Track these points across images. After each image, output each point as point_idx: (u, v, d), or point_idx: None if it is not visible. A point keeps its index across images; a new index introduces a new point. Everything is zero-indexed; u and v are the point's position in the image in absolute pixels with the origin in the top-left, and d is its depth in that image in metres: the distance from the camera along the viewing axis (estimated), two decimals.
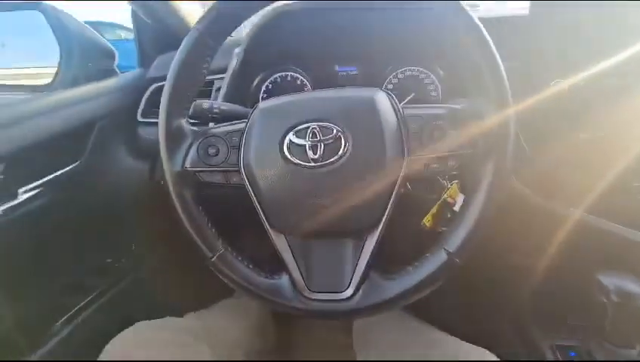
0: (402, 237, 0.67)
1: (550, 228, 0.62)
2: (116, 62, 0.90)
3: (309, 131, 0.44)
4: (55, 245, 0.67)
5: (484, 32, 0.42)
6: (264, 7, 0.54)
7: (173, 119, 0.49)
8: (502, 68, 0.42)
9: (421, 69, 0.77)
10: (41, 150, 0.58)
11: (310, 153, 0.44)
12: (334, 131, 0.44)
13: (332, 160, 0.44)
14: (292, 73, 0.83)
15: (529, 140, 0.62)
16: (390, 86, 0.79)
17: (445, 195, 0.61)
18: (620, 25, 0.57)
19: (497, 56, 0.42)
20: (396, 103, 0.47)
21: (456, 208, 0.61)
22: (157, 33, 0.85)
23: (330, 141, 0.44)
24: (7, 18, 0.82)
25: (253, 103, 0.83)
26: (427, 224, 0.64)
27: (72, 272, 0.73)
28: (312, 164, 0.44)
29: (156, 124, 0.55)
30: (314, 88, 0.82)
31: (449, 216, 0.62)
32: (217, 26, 0.47)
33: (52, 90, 0.80)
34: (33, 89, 0.82)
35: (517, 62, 0.63)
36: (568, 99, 0.57)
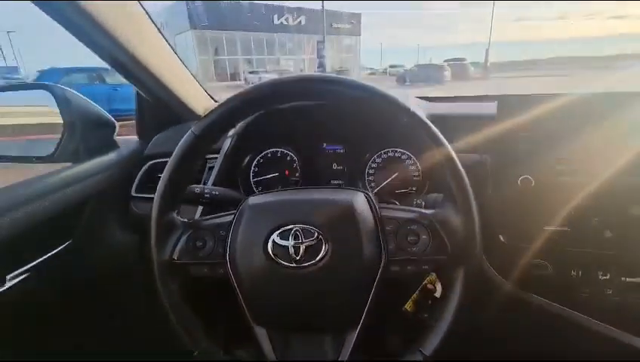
0: (385, 322, 0.67)
1: (525, 315, 0.64)
2: (116, 133, 0.95)
3: (292, 233, 0.47)
4: (42, 327, 0.66)
5: (451, 152, 0.46)
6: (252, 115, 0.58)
7: (165, 213, 0.51)
8: (468, 185, 0.46)
9: (403, 151, 0.83)
10: (32, 233, 0.59)
11: (292, 254, 0.46)
12: (315, 234, 0.47)
13: (313, 261, 0.46)
14: (282, 150, 0.88)
15: (505, 232, 0.66)
16: (374, 165, 0.84)
17: (425, 281, 0.63)
18: (579, 125, 0.64)
19: (464, 175, 0.46)
20: (374, 205, 0.51)
21: (437, 294, 0.63)
22: (155, 110, 0.90)
23: (312, 243, 0.47)
24: (19, 95, 0.88)
25: (245, 178, 0.87)
26: (409, 309, 0.65)
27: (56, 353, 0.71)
28: (294, 264, 0.46)
29: (148, 199, 0.57)
30: (303, 164, 0.87)
31: (430, 302, 0.64)
32: (210, 131, 0.52)
33: (54, 160, 0.84)
34: (37, 159, 0.85)
35: (488, 156, 0.69)
36: (533, 195, 0.62)
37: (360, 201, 0.50)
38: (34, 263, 0.61)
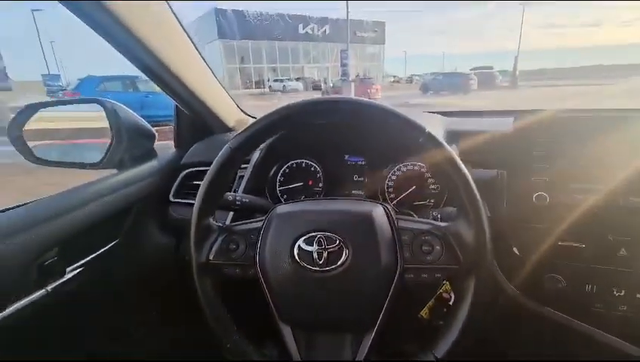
0: (401, 327, 0.71)
1: (536, 326, 0.66)
2: (155, 142, 1.04)
3: (316, 240, 0.52)
4: (93, 314, 0.75)
5: (464, 170, 0.50)
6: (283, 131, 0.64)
7: (203, 218, 0.57)
8: (480, 201, 0.49)
9: (421, 164, 0.86)
10: (88, 232, 0.67)
11: (316, 258, 0.51)
12: (337, 241, 0.52)
13: (334, 266, 0.51)
14: (306, 161, 0.93)
15: (520, 245, 0.68)
16: (394, 177, 0.88)
17: (441, 290, 0.66)
18: (595, 143, 0.66)
19: (476, 192, 0.49)
20: (392, 216, 0.55)
21: (452, 303, 0.66)
22: (192, 123, 0.99)
23: (334, 249, 0.51)
24: (74, 107, 0.99)
25: (271, 187, 0.93)
26: (424, 316, 0.69)
27: (100, 341, 0.80)
28: (318, 268, 0.51)
29: (185, 204, 0.64)
30: (325, 175, 0.92)
31: (445, 310, 0.67)
32: (246, 145, 0.58)
33: (102, 167, 0.93)
34: (85, 166, 0.95)
35: (504, 171, 0.71)
36: (548, 211, 0.64)
37: (379, 212, 0.54)
38: (88, 259, 0.69)
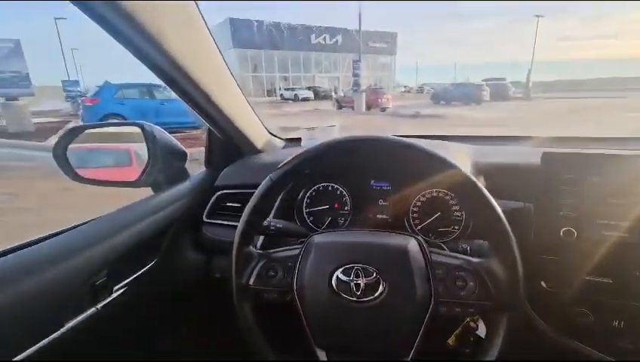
0: (428, 353, 0.73)
1: (562, 359, 0.67)
2: (187, 162, 1.09)
3: (353, 271, 0.55)
4: (135, 330, 0.79)
5: (498, 210, 0.52)
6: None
7: (244, 246, 0.61)
8: (514, 242, 0.52)
9: (447, 191, 0.88)
10: (131, 253, 0.71)
11: (354, 289, 0.54)
12: (374, 274, 0.54)
13: (371, 297, 0.54)
14: (333, 184, 0.96)
15: (547, 279, 0.69)
16: (419, 203, 0.90)
17: (468, 319, 0.68)
18: (624, 182, 0.67)
19: (510, 234, 0.52)
20: (425, 249, 0.57)
21: (479, 332, 0.68)
22: (223, 143, 1.03)
23: (370, 281, 0.54)
24: (118, 129, 1.05)
25: (299, 210, 0.96)
26: (451, 343, 0.70)
27: (139, 355, 0.84)
28: (355, 299, 0.54)
29: (217, 225, 0.67)
30: (352, 198, 0.95)
31: (472, 339, 0.68)
32: (285, 178, 0.61)
33: (137, 185, 0.98)
34: (123, 184, 1.00)
35: (531, 205, 0.73)
36: (575, 246, 0.66)
37: (413, 246, 0.57)
38: (131, 278, 0.74)
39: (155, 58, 0.67)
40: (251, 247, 0.62)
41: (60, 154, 0.95)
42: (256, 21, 26.43)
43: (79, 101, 13.15)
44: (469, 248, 0.66)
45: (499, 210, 0.53)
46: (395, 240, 0.59)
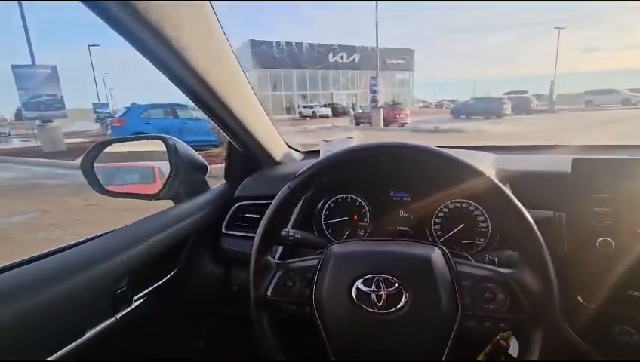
0: None
1: None
2: (207, 174, 1.10)
3: (374, 281, 0.53)
4: (155, 340, 0.79)
5: (529, 218, 0.49)
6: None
7: (262, 256, 0.60)
8: (545, 249, 0.48)
9: (470, 202, 0.85)
10: (152, 263, 0.72)
11: (375, 300, 0.52)
12: (396, 284, 0.52)
13: (393, 309, 0.51)
14: (352, 195, 0.95)
15: (584, 293, 0.64)
16: (441, 214, 0.87)
17: (499, 337, 0.64)
18: None
19: (541, 240, 0.49)
20: (450, 260, 0.55)
21: (510, 351, 0.63)
22: (243, 156, 1.04)
23: (392, 292, 0.52)
24: (140, 143, 1.09)
25: (318, 221, 0.95)
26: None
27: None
28: (376, 310, 0.52)
29: (236, 236, 0.66)
30: (371, 209, 0.93)
31: (503, 359, 0.64)
32: (304, 186, 0.61)
33: (159, 198, 1.00)
34: (144, 197, 1.03)
35: (562, 214, 0.69)
36: (614, 258, 0.61)
37: (437, 256, 0.54)
38: (151, 288, 0.74)
39: (180, 73, 0.69)
40: (269, 257, 0.62)
41: (87, 168, 0.98)
42: (276, 42, 27.30)
43: (108, 122, 13.86)
44: (496, 259, 0.63)
45: (529, 218, 0.50)
46: (417, 249, 0.56)
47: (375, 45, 16.40)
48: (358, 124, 17.04)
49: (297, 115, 25.31)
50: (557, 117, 16.81)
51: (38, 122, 10.92)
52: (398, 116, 15.74)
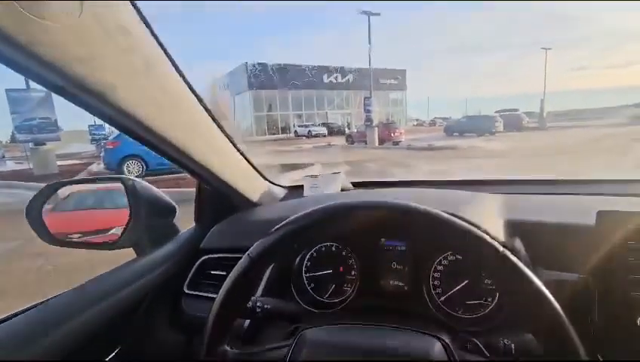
0: None
1: None
2: (176, 217, 0.98)
3: None
4: None
5: (556, 306, 0.38)
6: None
7: (216, 345, 0.47)
8: (577, 342, 0.37)
9: None
10: (94, 339, 0.58)
11: None
12: None
13: None
14: (337, 244, 0.82)
15: None
16: (440, 267, 0.75)
17: None
18: None
19: (571, 330, 0.37)
20: (452, 353, 0.42)
21: None
22: (216, 196, 0.92)
23: None
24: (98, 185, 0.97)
25: (297, 276, 0.82)
26: None
27: None
28: None
29: (200, 297, 0.53)
30: (359, 261, 0.80)
31: None
32: (270, 253, 0.49)
33: (116, 247, 0.87)
34: (103, 246, 0.90)
35: (588, 276, 0.57)
36: None
37: (438, 353, 0.42)
38: None
39: (101, 109, 0.52)
40: (226, 346, 0.49)
41: (34, 215, 0.86)
42: (270, 64, 27.71)
43: (102, 143, 13.76)
44: (512, 345, 0.50)
45: (552, 299, 0.39)
46: (412, 342, 0.44)
47: (368, 66, 16.69)
48: (352, 143, 17.13)
49: (293, 135, 25.45)
50: (548, 134, 17.05)
51: (31, 145, 10.85)
52: (392, 134, 15.90)
